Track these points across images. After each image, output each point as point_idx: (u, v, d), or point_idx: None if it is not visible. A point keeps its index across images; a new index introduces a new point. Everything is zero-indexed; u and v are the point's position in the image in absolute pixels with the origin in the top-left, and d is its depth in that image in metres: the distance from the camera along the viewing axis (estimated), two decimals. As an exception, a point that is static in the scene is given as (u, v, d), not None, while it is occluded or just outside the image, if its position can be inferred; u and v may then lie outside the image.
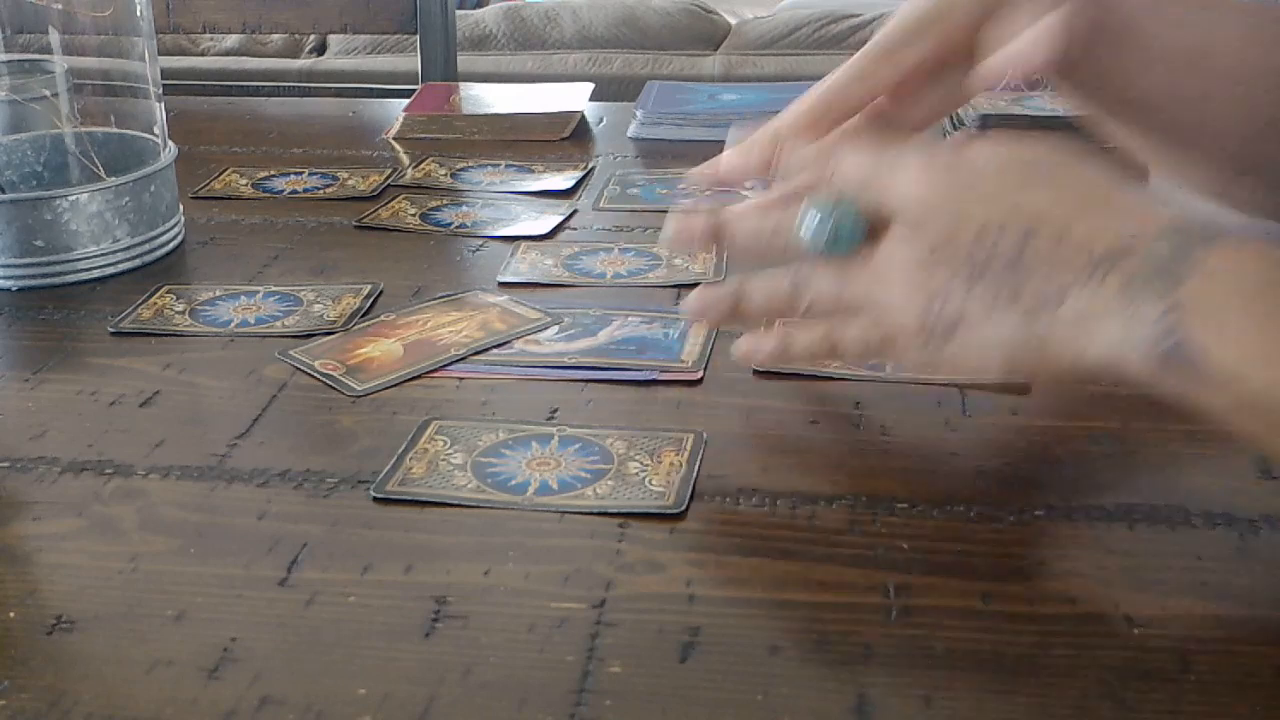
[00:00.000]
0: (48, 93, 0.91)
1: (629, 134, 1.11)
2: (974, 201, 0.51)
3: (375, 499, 0.57)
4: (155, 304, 0.79)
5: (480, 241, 0.88)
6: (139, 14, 0.88)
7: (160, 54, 0.92)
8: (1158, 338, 0.46)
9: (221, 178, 1.03)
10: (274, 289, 0.80)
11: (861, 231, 0.54)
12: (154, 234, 0.86)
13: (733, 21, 2.66)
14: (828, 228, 0.54)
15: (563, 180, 0.99)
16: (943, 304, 0.51)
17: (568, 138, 1.11)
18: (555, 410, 0.64)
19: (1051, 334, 0.49)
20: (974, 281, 0.50)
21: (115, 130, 0.91)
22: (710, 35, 2.57)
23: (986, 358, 0.51)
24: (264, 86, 2.27)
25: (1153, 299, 0.46)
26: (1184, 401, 0.47)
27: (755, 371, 0.67)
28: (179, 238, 0.89)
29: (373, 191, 0.99)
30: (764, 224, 0.58)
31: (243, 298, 0.79)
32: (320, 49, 2.67)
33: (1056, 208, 0.50)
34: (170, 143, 0.90)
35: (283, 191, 1.00)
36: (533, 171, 1.02)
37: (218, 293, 0.80)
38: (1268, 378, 0.44)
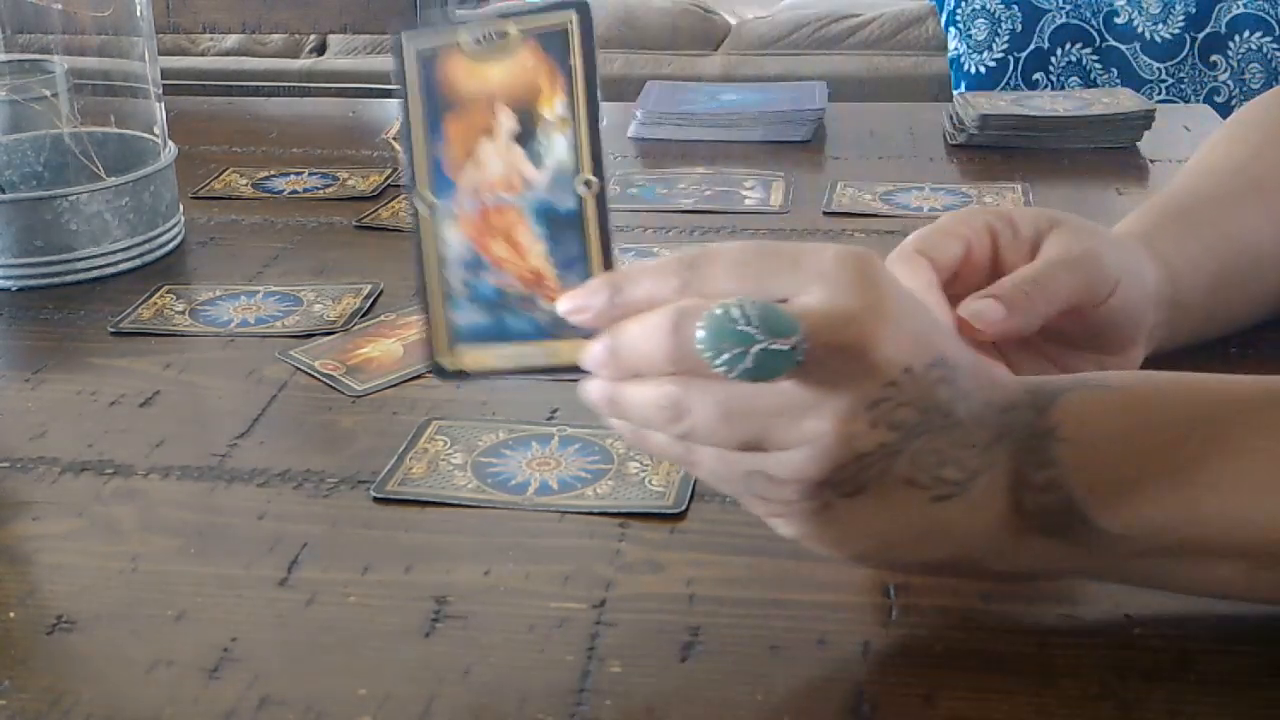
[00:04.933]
0: (48, 93, 0.91)
1: (629, 134, 1.11)
2: (897, 336, 0.42)
3: (375, 499, 0.57)
4: (155, 304, 0.79)
5: (480, 241, 0.88)
6: (139, 14, 0.88)
7: (160, 54, 0.92)
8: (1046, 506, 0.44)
9: (221, 178, 1.03)
10: (274, 289, 0.80)
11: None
12: (154, 234, 0.85)
13: (733, 21, 2.66)
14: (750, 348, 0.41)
15: (563, 180, 0.99)
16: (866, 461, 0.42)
17: (568, 138, 1.11)
18: (555, 410, 0.64)
19: (948, 521, 0.44)
20: (909, 440, 0.43)
21: (115, 130, 0.91)
22: (710, 35, 2.57)
23: (864, 540, 0.45)
24: (264, 86, 2.27)
25: (1034, 466, 0.44)
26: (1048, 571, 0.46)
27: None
28: (179, 238, 0.89)
29: (373, 191, 0.99)
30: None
31: (243, 298, 0.79)
32: (320, 49, 2.66)
33: (958, 355, 0.44)
34: (170, 143, 0.90)
35: (283, 191, 1.00)
36: (533, 171, 1.02)
37: (218, 293, 0.80)
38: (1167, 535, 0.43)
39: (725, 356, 0.41)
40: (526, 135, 0.47)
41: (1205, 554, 0.44)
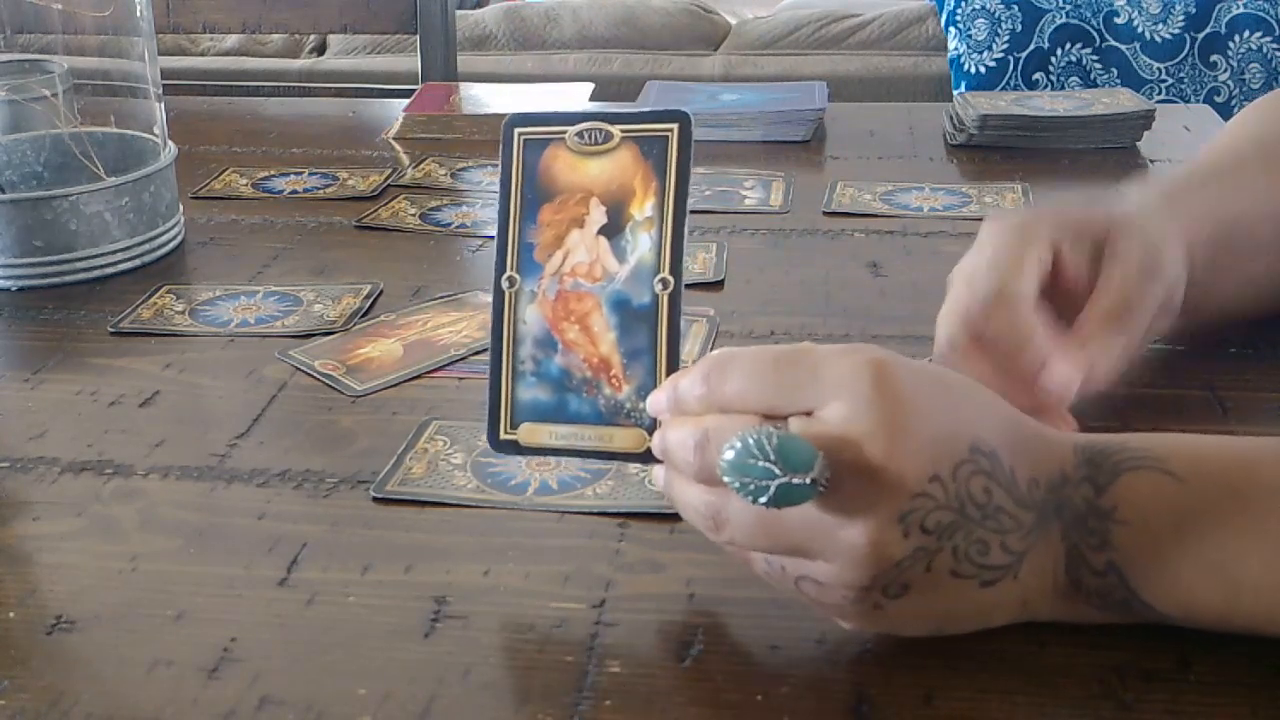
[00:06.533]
0: (48, 93, 0.91)
1: (629, 134, 1.11)
2: (930, 439, 0.43)
3: (375, 499, 0.57)
4: (155, 304, 0.79)
5: (480, 241, 0.88)
6: (139, 14, 0.88)
7: (160, 54, 0.92)
8: (1103, 588, 0.45)
9: (221, 178, 1.03)
10: (274, 289, 0.80)
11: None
12: (154, 234, 0.85)
13: (733, 21, 2.66)
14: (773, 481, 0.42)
15: (563, 180, 0.99)
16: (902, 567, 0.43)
17: (568, 138, 1.11)
18: (555, 410, 0.64)
19: (999, 599, 0.45)
20: (947, 539, 0.43)
21: (115, 130, 0.91)
22: (710, 35, 2.57)
23: (919, 625, 0.46)
24: (264, 86, 2.27)
25: (1092, 548, 0.44)
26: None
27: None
28: (179, 238, 0.89)
29: (373, 191, 0.99)
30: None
31: (243, 298, 0.79)
32: (320, 49, 2.66)
33: (994, 437, 0.44)
34: (170, 143, 0.90)
35: (283, 191, 1.00)
36: (533, 171, 1.02)
37: (218, 293, 0.80)
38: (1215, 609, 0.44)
39: (750, 488, 0.42)
40: (614, 230, 0.50)
41: (1251, 630, 0.45)
